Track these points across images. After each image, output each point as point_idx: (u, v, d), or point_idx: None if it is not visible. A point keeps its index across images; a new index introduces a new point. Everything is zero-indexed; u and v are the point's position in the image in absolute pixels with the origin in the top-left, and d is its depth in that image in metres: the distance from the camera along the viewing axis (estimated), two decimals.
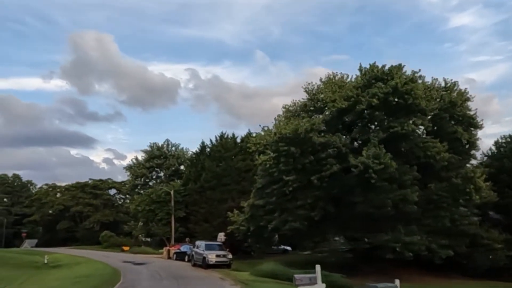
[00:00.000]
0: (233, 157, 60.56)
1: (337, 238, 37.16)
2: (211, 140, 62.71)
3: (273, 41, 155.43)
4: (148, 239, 74.00)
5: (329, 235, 31.46)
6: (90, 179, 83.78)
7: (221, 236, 50.53)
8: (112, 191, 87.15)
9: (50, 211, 78.61)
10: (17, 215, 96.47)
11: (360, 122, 31.01)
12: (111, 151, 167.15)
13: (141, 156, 71.93)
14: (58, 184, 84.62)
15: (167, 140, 71.88)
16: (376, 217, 28.62)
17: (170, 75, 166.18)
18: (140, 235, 64.03)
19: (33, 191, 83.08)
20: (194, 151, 63.32)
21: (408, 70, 31.35)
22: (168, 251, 44.65)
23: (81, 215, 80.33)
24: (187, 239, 57.20)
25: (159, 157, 69.58)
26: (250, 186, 58.00)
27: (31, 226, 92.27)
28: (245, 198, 43.51)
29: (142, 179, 69.11)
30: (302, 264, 30.59)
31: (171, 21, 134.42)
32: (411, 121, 28.89)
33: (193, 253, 34.66)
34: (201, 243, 34.27)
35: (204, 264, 31.28)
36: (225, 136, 62.84)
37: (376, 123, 30.21)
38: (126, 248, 58.26)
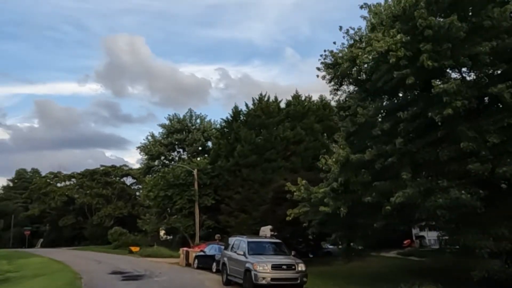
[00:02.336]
0: (277, 125, 44.39)
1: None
2: (246, 105, 46.61)
3: (303, 39, 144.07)
4: (169, 237, 58.71)
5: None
6: (101, 165, 69.36)
7: (266, 231, 34.64)
8: (129, 181, 72.50)
9: (52, 204, 64.30)
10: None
11: None
12: None
13: (158, 133, 56.63)
14: (65, 173, 70.41)
15: (190, 111, 56.25)
16: None
17: (201, 75, 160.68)
18: (154, 232, 48.54)
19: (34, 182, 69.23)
20: (224, 118, 47.21)
21: None
22: (187, 254, 28.73)
23: (90, 209, 65.84)
24: (217, 236, 41.27)
25: (180, 132, 53.97)
26: (303, 163, 41.82)
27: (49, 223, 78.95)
28: (296, 178, 27.69)
29: (159, 161, 53.62)
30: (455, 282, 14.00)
31: (201, 23, 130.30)
32: None
33: (225, 259, 18.46)
34: (240, 241, 18.01)
35: (249, 284, 15.13)
36: (265, 98, 46.61)
37: None
38: (135, 249, 42.95)
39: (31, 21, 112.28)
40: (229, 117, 46.59)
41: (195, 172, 41.99)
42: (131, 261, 32.63)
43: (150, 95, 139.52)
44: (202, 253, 26.35)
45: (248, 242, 17.01)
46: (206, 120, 55.91)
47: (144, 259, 35.52)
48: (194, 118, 56.10)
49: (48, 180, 67.11)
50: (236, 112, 46.53)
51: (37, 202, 67.73)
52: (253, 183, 41.39)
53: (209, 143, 54.51)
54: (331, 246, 30.86)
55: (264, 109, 45.29)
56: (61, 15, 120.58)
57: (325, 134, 47.64)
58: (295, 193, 18.13)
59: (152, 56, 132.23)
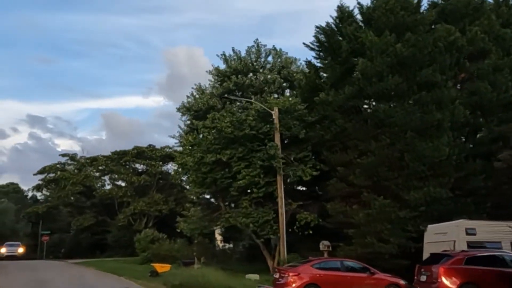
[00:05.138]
0: (432, 26, 22.42)
1: None
2: (359, 4, 24.34)
3: None
4: (228, 245, 37.58)
5: None
6: (135, 146, 49.69)
7: (452, 233, 12.53)
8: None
9: (62, 196, 45.28)
10: None
11: None
12: None
13: (208, 81, 36.01)
14: (88, 156, 51.32)
15: (257, 43, 34.82)
16: None
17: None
18: (198, 235, 27.27)
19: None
20: (324, 23, 25.08)
21: None
22: None
23: (121, 204, 46.34)
24: (324, 246, 19.91)
25: (243, 73, 33.02)
26: (494, 94, 19.61)
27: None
28: None
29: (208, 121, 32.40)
30: None
31: (255, 33, 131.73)
32: None
33: None
34: None
35: None
36: None
37: None
38: (161, 269, 22.10)
39: (96, 39, 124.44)
40: (332, 23, 24.70)
41: (275, 112, 20.58)
42: None
43: None
44: None
45: None
46: (284, 56, 34.40)
47: None
48: (263, 54, 34.89)
49: (60, 166, 48.25)
50: (344, 13, 24.58)
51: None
52: (401, 132, 19.35)
53: (287, 93, 32.96)
54: None
55: (402, 1, 23.04)
56: (123, 32, 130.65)
57: None
58: None
59: (210, 67, 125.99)
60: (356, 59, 21.47)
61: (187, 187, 51.41)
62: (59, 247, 55.85)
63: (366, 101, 20.76)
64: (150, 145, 50.31)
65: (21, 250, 40.97)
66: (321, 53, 25.16)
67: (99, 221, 45.79)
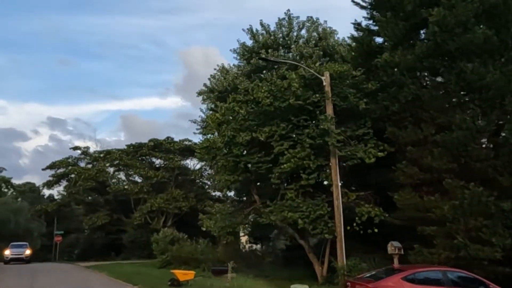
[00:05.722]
0: None
1: None
2: None
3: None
4: (256, 246, 33.20)
5: None
6: (152, 139, 45.71)
7: None
8: (194, 164, 48.09)
9: (73, 192, 41.45)
10: None
11: None
12: None
13: (233, 59, 31.73)
14: (100, 149, 47.52)
15: (288, 14, 30.40)
16: None
17: None
18: (226, 234, 22.78)
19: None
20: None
21: None
22: None
23: (135, 200, 42.35)
24: (394, 248, 15.26)
25: (273, 48, 28.61)
26: None
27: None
28: None
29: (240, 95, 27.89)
30: None
31: None
32: None
33: None
34: None
35: None
36: None
37: None
38: (185, 277, 17.78)
39: (114, 41, 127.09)
40: None
41: (326, 78, 16.15)
42: None
43: None
44: None
45: None
46: (323, 26, 29.83)
47: None
48: (296, 27, 30.43)
49: (72, 161, 44.43)
50: None
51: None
52: (496, 98, 14.68)
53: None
54: None
55: None
56: (141, 34, 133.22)
57: None
58: None
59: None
60: (426, 9, 16.85)
61: (209, 182, 47.56)
62: (74, 247, 52.33)
63: (445, 61, 16.08)
64: (168, 137, 46.28)
65: (28, 251, 36.67)
66: (374, 12, 20.63)
67: (114, 219, 41.90)
